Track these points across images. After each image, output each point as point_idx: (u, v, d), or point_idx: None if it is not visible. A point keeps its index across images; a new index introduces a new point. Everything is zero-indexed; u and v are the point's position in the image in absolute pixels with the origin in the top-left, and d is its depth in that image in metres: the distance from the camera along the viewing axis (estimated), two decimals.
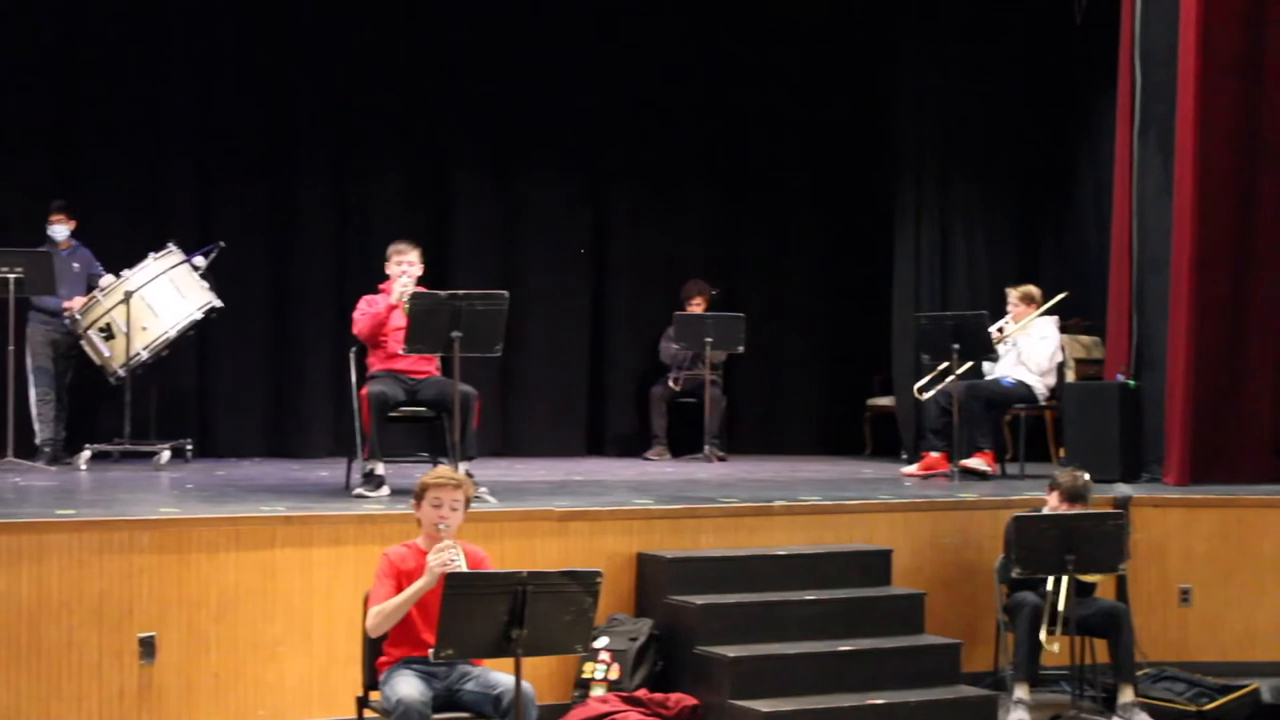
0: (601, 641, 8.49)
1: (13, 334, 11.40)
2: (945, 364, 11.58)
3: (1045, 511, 8.86)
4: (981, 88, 13.74)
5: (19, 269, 11.35)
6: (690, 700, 8.35)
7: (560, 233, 14.14)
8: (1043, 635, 8.60)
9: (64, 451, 11.92)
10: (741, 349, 13.47)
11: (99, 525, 7.97)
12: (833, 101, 14.59)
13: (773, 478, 11.73)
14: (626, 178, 14.38)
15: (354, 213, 13.48)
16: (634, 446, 13.87)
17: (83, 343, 11.67)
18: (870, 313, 14.24)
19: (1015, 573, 8.55)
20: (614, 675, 8.45)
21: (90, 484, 10.52)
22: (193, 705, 7.93)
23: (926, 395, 11.81)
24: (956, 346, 11.28)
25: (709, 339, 13.23)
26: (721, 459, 13.20)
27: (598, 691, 8.43)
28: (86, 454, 11.59)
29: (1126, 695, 8.78)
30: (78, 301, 11.67)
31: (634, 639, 8.54)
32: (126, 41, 12.90)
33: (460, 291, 9.40)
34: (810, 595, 8.80)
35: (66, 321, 11.75)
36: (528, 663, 6.41)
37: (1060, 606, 8.43)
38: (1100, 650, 8.96)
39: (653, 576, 8.82)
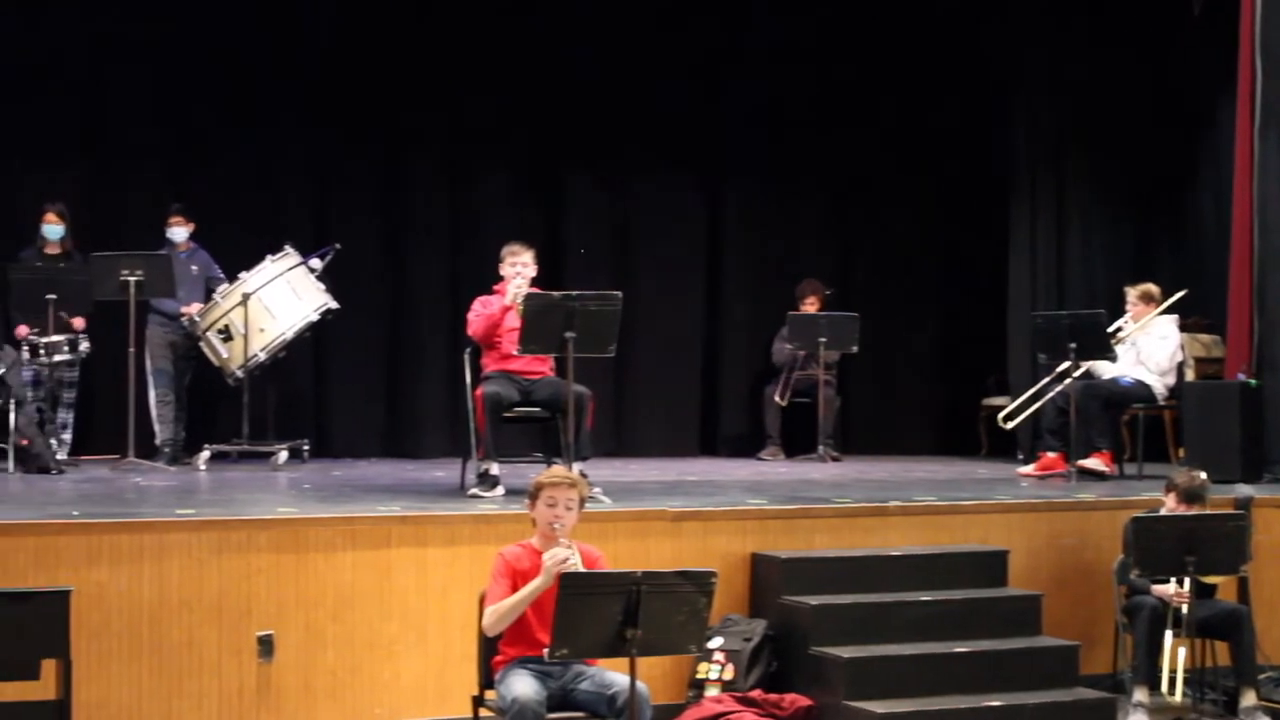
0: (716, 642, 8.47)
1: (133, 336, 11.55)
2: (1063, 364, 11.46)
3: (1163, 513, 8.74)
4: (1099, 86, 13.59)
5: (139, 272, 11.49)
6: (805, 701, 8.31)
7: (674, 233, 14.14)
8: (1169, 638, 8.49)
9: (183, 452, 12.06)
10: (855, 349, 13.41)
11: (218, 525, 8.06)
12: (946, 101, 14.49)
13: (887, 478, 11.67)
14: (740, 177, 14.36)
15: (468, 214, 13.56)
16: (748, 447, 13.84)
17: (201, 344, 11.80)
18: (986, 312, 14.12)
19: (1134, 574, 8.46)
20: (728, 675, 8.43)
21: (209, 484, 10.63)
22: (310, 703, 7.99)
23: (1012, 424, 11.80)
24: (1073, 345, 11.16)
25: (823, 339, 13.18)
26: (835, 459, 13.15)
27: (712, 692, 8.41)
28: (205, 454, 11.72)
29: (1248, 699, 8.65)
30: (195, 307, 11.80)
31: (748, 639, 8.51)
32: (244, 46, 13.04)
33: (574, 292, 9.40)
34: (926, 596, 8.74)
35: (185, 324, 11.89)
36: (642, 663, 6.40)
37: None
38: (1221, 653, 8.84)
39: (767, 577, 8.79)
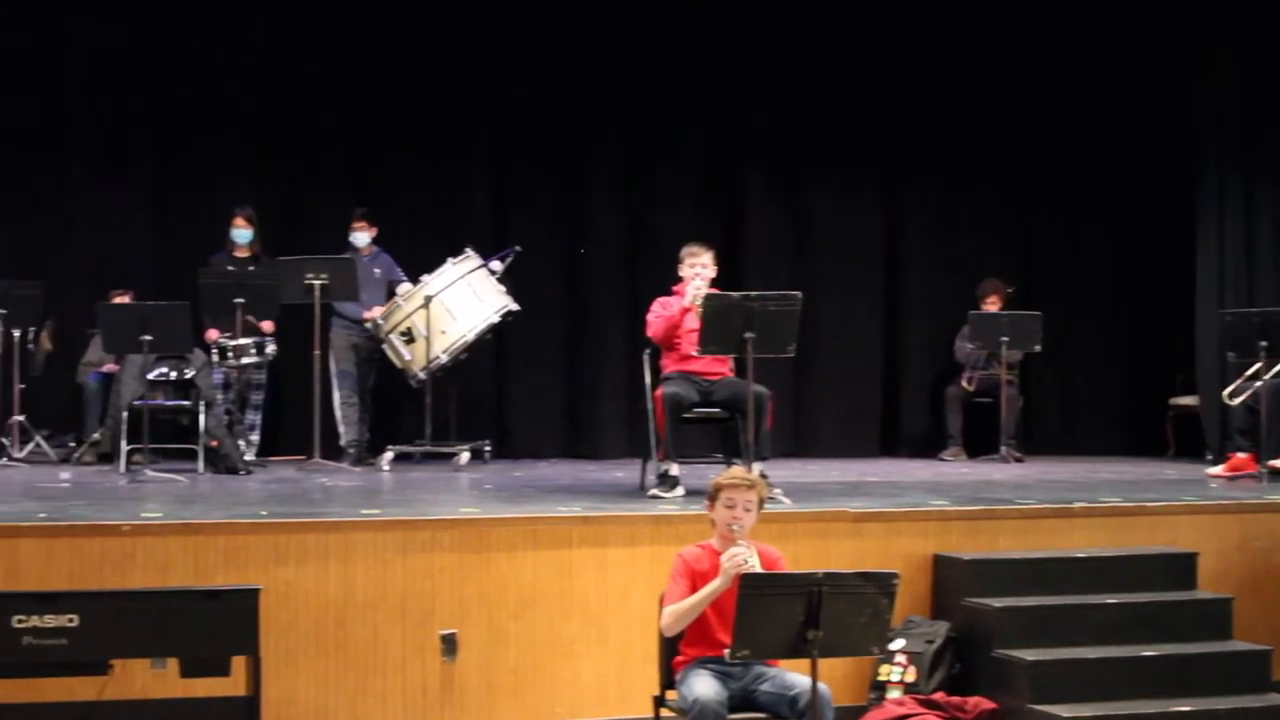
0: (898, 643, 8.40)
1: (318, 339, 11.74)
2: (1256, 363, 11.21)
3: None
4: None
5: (324, 275, 11.67)
6: (988, 704, 8.22)
7: (852, 232, 14.08)
8: None
9: (367, 453, 12.23)
10: (1038, 348, 13.24)
11: (402, 525, 8.15)
12: (1129, 95, 14.25)
13: (1071, 478, 11.50)
14: (919, 176, 14.25)
15: (647, 214, 13.59)
16: (929, 447, 13.73)
17: (384, 347, 11.95)
18: (1173, 310, 13.88)
19: None
20: (910, 678, 8.36)
21: (393, 484, 10.76)
22: (492, 702, 8.05)
23: (1238, 400, 11.45)
24: (1264, 344, 10.92)
25: (1005, 338, 13.04)
26: (1018, 459, 12.99)
27: (894, 694, 8.35)
28: (389, 455, 11.87)
29: None
30: (377, 311, 11.95)
31: (930, 641, 8.44)
32: (421, 50, 13.21)
33: (753, 293, 9.39)
34: (1112, 599, 8.59)
35: (368, 327, 12.05)
36: (823, 664, 6.36)
37: None
38: None
39: (949, 578, 8.71)
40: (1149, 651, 8.33)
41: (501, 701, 8.06)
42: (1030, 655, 8.17)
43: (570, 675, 8.18)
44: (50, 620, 6.54)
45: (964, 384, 13.50)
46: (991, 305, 13.51)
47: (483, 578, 8.09)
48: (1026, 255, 14.55)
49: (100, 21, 12.85)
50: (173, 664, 6.89)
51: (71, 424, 12.66)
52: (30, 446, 12.20)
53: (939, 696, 8.27)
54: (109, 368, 12.22)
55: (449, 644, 7.98)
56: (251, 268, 12.09)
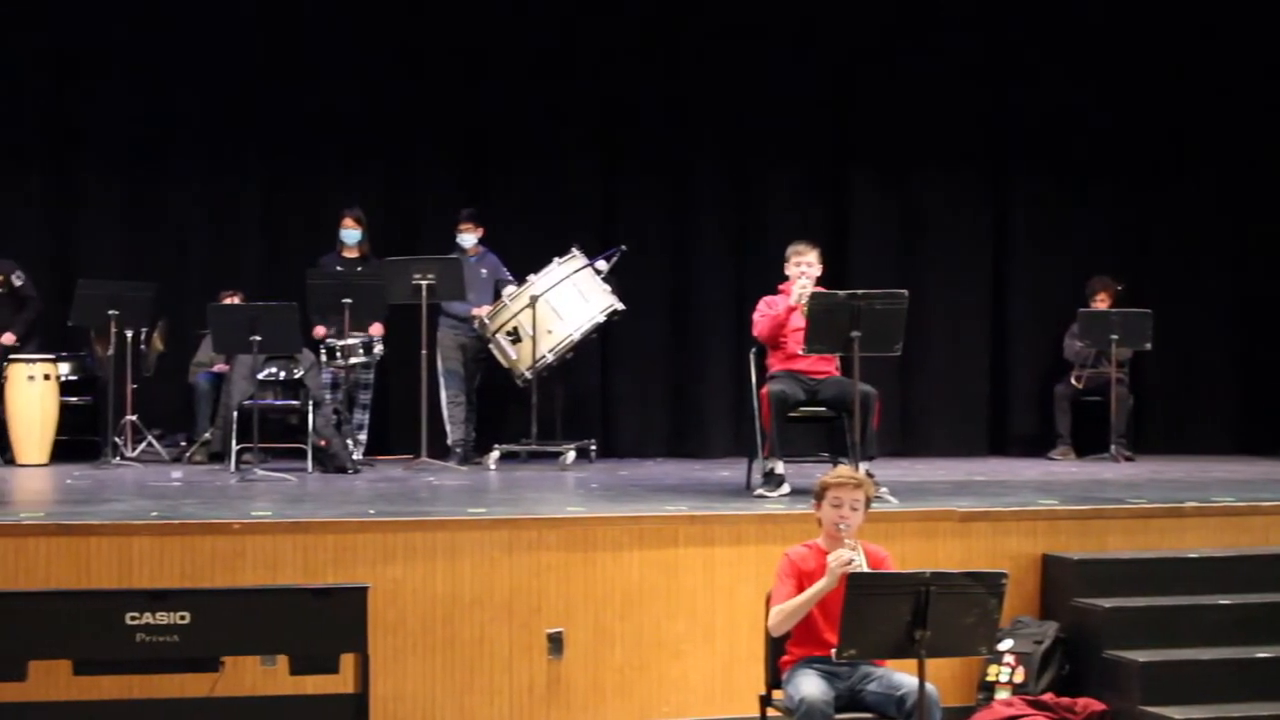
0: (1006, 644, 8.34)
1: (425, 338, 11.81)
2: None
3: None
4: None
5: (430, 275, 11.74)
6: (1098, 705, 8.14)
7: (959, 229, 13.98)
8: None
9: (474, 451, 12.28)
10: (1148, 345, 13.08)
11: (508, 524, 8.19)
12: (1239, 86, 14.06)
13: (1183, 478, 11.38)
14: (1027, 174, 14.12)
15: (751, 213, 13.58)
16: (1037, 446, 13.60)
17: (490, 346, 12.00)
18: None
19: None
20: (1019, 678, 8.30)
21: (499, 483, 10.81)
22: (599, 700, 8.07)
23: None
24: None
25: (1114, 336, 12.90)
26: (1129, 459, 12.86)
27: (1002, 695, 8.29)
28: (495, 454, 11.92)
29: None
30: (484, 309, 12.00)
31: (1039, 642, 8.37)
32: (528, 49, 13.26)
33: (859, 291, 9.35)
34: (1225, 599, 8.48)
35: (475, 327, 12.10)
36: (930, 664, 6.32)
37: None
38: None
39: (1058, 578, 8.63)
40: (1262, 653, 8.21)
41: (608, 700, 8.07)
42: (1141, 656, 8.08)
43: (677, 674, 8.18)
44: (162, 617, 6.64)
45: (1073, 382, 13.37)
46: (1101, 303, 13.37)
47: (588, 577, 8.11)
48: (1137, 252, 14.36)
49: (211, 23, 12.99)
50: (282, 661, 6.96)
51: (183, 424, 12.83)
52: (142, 446, 12.38)
53: (1048, 698, 8.20)
54: (219, 368, 12.36)
55: (555, 643, 8.01)
56: (360, 268, 12.19)
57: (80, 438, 12.42)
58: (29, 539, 7.72)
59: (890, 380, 12.56)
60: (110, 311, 11.81)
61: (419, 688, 7.88)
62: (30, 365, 12.01)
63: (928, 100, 13.71)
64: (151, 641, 6.64)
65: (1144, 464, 12.70)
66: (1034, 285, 14.10)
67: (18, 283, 12.28)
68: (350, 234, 12.35)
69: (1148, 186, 14.29)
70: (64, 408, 12.22)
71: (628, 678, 8.11)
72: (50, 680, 7.06)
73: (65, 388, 12.30)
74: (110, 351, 12.00)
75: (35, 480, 11.02)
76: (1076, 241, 14.19)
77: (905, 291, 9.34)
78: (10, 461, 11.92)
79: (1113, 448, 12.87)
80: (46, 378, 12.04)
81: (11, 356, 12.06)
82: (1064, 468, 12.65)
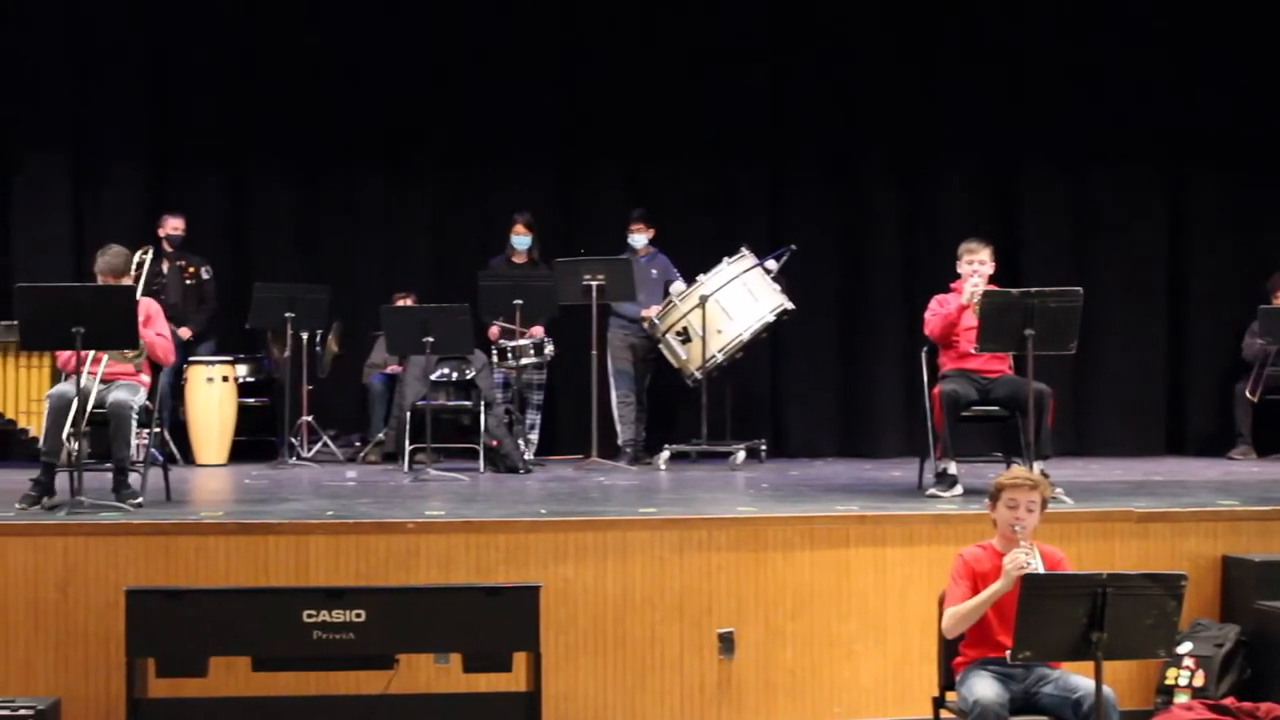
0: (1185, 647, 8.20)
1: (595, 339, 11.87)
2: None
3: None
4: None
5: (600, 276, 11.80)
6: None
7: (1135, 225, 13.75)
8: None
9: (644, 451, 12.32)
10: None
11: (679, 524, 8.19)
12: None
13: None
14: (1204, 171, 13.83)
15: (922, 210, 13.49)
16: (1216, 446, 13.34)
17: (660, 346, 12.02)
18: None
19: None
20: (1198, 682, 8.15)
21: (669, 483, 10.82)
22: (770, 701, 8.05)
23: None
24: None
25: None
26: None
27: (1181, 698, 8.14)
28: (665, 454, 11.94)
29: None
30: (653, 310, 12.02)
31: (1220, 645, 8.22)
32: (695, 53, 13.27)
33: (1033, 289, 9.25)
34: None
35: (645, 327, 12.13)
36: (1107, 667, 6.23)
37: None
38: None
39: (1239, 580, 8.46)
40: None
41: (779, 701, 8.05)
42: None
43: (849, 675, 8.13)
44: (338, 615, 6.75)
45: (1248, 394, 13.09)
46: None
47: (759, 577, 8.09)
48: None
49: (383, 30, 13.17)
50: (456, 659, 7.03)
51: (357, 424, 13.02)
52: (318, 446, 12.57)
53: (1229, 702, 8.04)
54: (393, 369, 12.51)
55: (726, 643, 8.00)
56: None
57: (258, 438, 12.67)
58: (209, 538, 7.88)
59: (1064, 378, 12.40)
60: (287, 314, 12.03)
61: (590, 686, 7.92)
62: (209, 367, 12.27)
63: (1100, 92, 13.51)
64: (328, 639, 6.76)
65: None
66: (1212, 281, 13.83)
67: (206, 276, 12.59)
68: (521, 240, 12.42)
69: None
70: (242, 409, 12.46)
71: (799, 678, 8.09)
72: (230, 676, 7.22)
73: (243, 389, 12.54)
74: (287, 353, 12.20)
75: (214, 480, 11.24)
76: (1257, 236, 13.89)
77: (1080, 289, 9.22)
78: (190, 462, 12.16)
79: None
80: (225, 380, 12.29)
81: (191, 359, 12.32)
82: (1244, 467, 12.40)
